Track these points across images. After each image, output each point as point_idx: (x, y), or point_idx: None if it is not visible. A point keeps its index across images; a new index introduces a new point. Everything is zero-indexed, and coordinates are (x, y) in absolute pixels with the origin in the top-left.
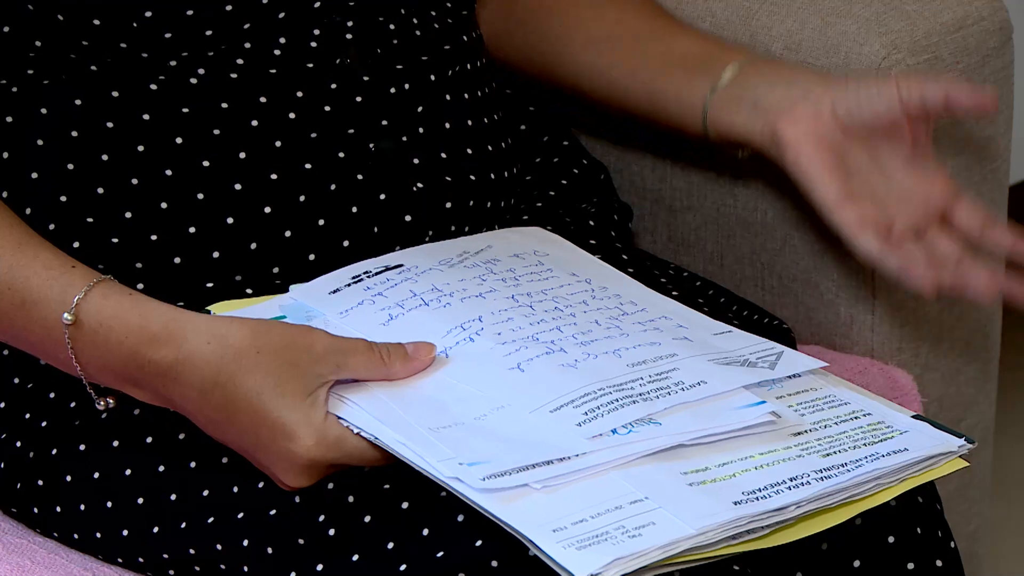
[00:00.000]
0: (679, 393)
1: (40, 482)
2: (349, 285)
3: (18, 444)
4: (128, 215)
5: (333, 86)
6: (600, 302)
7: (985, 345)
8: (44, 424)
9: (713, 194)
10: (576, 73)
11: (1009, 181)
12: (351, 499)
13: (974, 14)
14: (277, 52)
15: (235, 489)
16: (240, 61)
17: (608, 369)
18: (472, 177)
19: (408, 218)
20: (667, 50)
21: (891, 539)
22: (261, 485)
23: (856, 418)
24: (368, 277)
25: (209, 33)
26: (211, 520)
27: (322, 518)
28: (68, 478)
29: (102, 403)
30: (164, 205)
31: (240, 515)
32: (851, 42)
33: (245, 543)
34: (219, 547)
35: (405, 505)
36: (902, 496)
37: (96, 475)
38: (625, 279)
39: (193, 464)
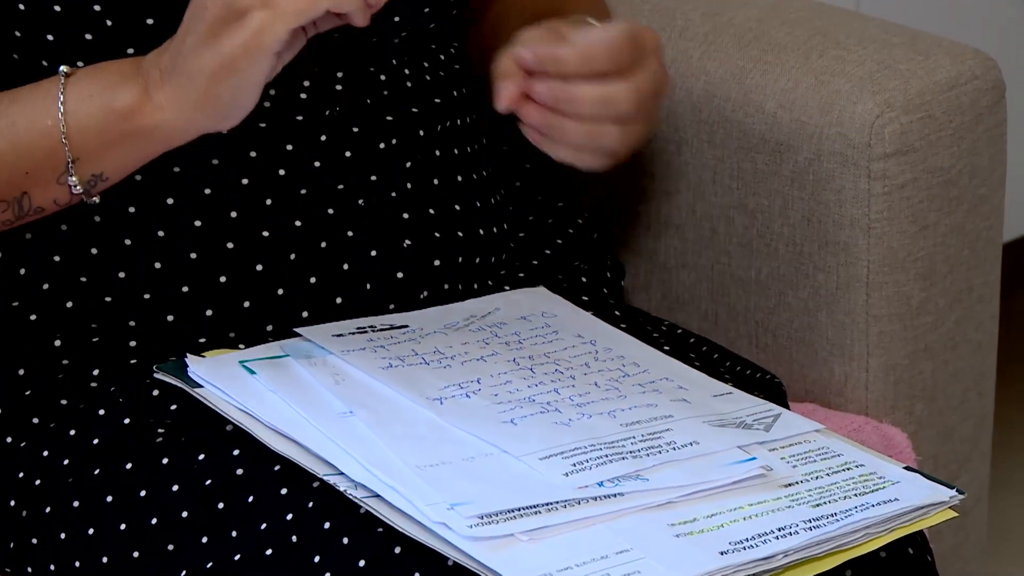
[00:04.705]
0: (669, 452)
1: (34, 540)
2: (353, 334)
3: (12, 503)
4: (122, 275)
5: (323, 138)
6: (602, 364)
7: (979, 403)
8: (38, 483)
9: (707, 252)
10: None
11: (1003, 239)
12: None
13: (967, 73)
14: (267, 104)
15: (233, 534)
16: None
17: (601, 428)
18: (460, 233)
19: (400, 275)
20: None
21: None
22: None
23: (848, 469)
24: (372, 331)
25: None
26: (210, 565)
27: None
28: (63, 535)
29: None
30: (158, 265)
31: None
32: (844, 101)
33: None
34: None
35: (398, 550)
36: (893, 547)
37: (91, 531)
38: (630, 340)
39: (185, 514)
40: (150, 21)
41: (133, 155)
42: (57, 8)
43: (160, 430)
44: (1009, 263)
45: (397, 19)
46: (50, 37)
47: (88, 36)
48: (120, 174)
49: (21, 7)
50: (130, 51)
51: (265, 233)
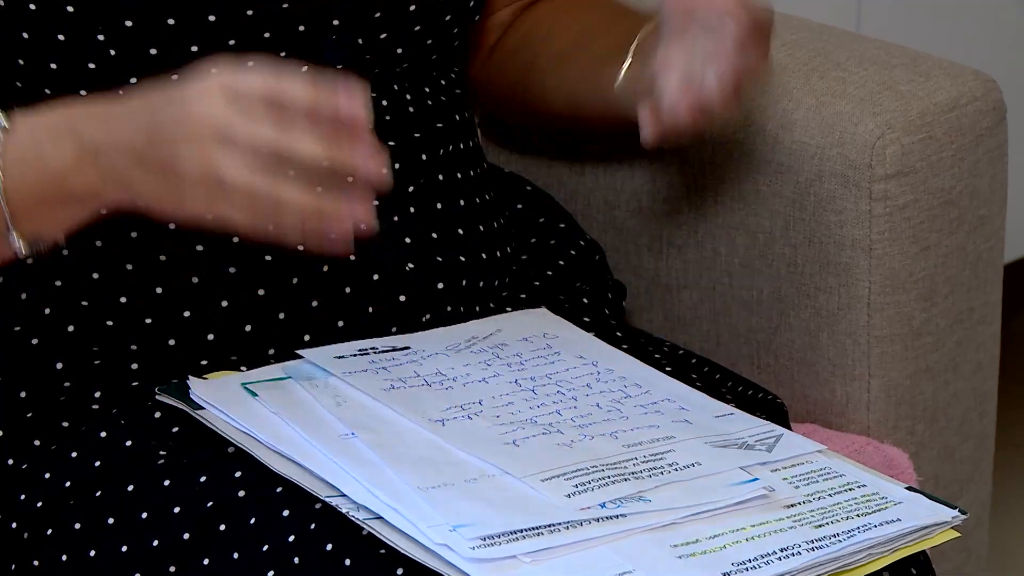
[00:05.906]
0: (672, 473)
1: (36, 562)
2: (355, 356)
3: (13, 525)
4: (123, 300)
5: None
6: (604, 385)
7: (981, 423)
8: (39, 505)
9: (709, 273)
10: (544, 96)
11: (1004, 260)
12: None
13: (968, 94)
14: None
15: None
16: None
17: (603, 449)
18: (463, 258)
19: (402, 298)
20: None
21: None
22: (265, 548)
23: (850, 489)
24: (374, 353)
25: None
26: None
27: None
28: (64, 558)
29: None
30: (159, 290)
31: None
32: (845, 122)
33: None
34: None
35: (400, 572)
36: (896, 568)
37: (92, 553)
38: (632, 361)
39: (187, 536)
40: (153, 51)
41: (71, 215)
42: (61, 37)
43: (162, 452)
44: (1010, 284)
45: (400, 51)
46: (53, 66)
47: (91, 65)
48: (59, 232)
49: (25, 35)
50: (133, 80)
51: (267, 257)
